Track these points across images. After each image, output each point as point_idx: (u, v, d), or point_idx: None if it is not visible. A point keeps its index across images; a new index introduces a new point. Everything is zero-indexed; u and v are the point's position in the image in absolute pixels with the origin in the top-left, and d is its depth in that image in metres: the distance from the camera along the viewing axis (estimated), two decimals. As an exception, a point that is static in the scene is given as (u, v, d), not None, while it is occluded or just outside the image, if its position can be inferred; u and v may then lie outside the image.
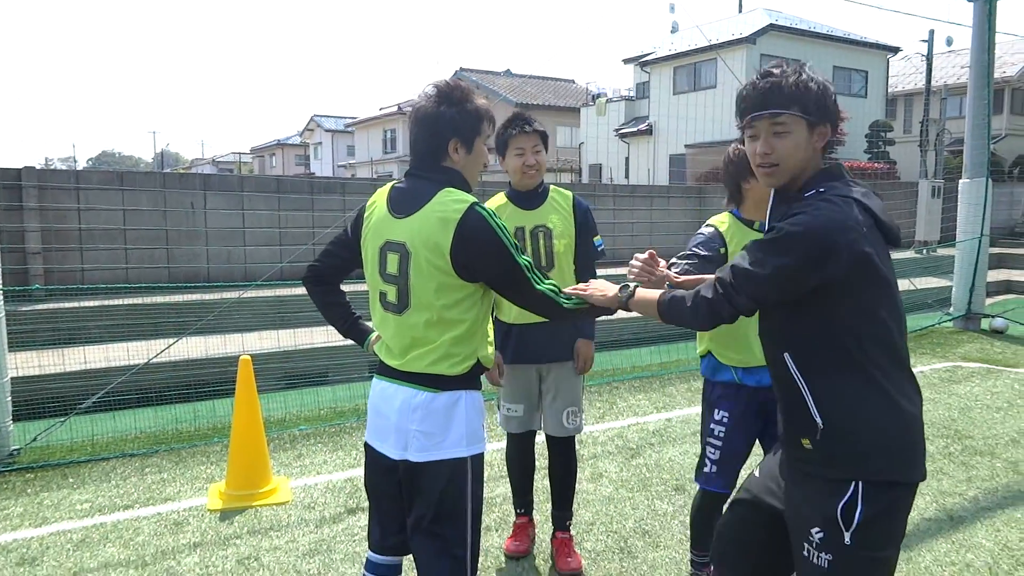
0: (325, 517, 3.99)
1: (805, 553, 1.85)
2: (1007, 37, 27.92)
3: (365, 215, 2.25)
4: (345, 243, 2.38)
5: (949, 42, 30.02)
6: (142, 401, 6.28)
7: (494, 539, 3.67)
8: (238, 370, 4.30)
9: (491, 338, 2.26)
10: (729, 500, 2.26)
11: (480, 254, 2.05)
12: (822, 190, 1.83)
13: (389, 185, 2.22)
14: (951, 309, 9.75)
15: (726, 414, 2.86)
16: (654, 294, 2.07)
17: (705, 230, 2.84)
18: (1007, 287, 13.58)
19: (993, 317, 9.70)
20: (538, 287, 2.14)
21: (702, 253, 2.74)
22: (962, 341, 8.75)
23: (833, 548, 1.80)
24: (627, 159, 28.65)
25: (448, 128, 2.12)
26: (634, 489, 4.33)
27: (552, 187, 3.36)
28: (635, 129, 28.46)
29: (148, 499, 4.25)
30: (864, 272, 1.76)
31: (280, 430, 5.45)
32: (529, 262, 2.13)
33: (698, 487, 2.98)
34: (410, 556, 2.26)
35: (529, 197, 3.26)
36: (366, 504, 4.11)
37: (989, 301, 10.96)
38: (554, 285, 2.19)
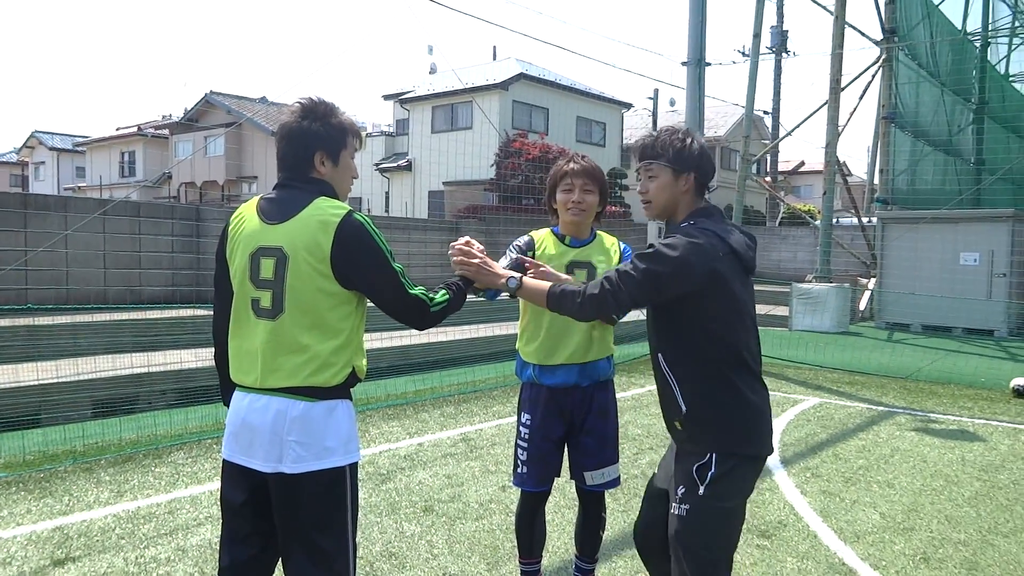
0: (24, 572, 3.46)
1: (673, 510, 2.27)
2: (718, 102, 32.40)
3: (230, 229, 2.24)
4: (225, 278, 2.25)
5: (672, 102, 34.18)
6: None
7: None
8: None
9: (364, 349, 2.25)
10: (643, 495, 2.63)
11: (359, 258, 2.10)
12: (692, 222, 2.30)
13: (255, 199, 2.24)
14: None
15: (529, 417, 2.99)
16: (544, 285, 2.41)
17: (523, 237, 3.07)
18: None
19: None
20: (411, 291, 2.19)
21: (515, 248, 3.00)
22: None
23: (691, 499, 2.23)
24: (387, 193, 28.80)
25: (313, 142, 2.18)
26: (382, 513, 4.28)
27: None
28: (395, 164, 28.74)
29: None
30: (716, 287, 2.19)
31: (-29, 480, 4.66)
32: (402, 269, 2.18)
33: (519, 491, 3.06)
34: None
35: None
36: (76, 554, 3.68)
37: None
38: (423, 289, 2.25)
